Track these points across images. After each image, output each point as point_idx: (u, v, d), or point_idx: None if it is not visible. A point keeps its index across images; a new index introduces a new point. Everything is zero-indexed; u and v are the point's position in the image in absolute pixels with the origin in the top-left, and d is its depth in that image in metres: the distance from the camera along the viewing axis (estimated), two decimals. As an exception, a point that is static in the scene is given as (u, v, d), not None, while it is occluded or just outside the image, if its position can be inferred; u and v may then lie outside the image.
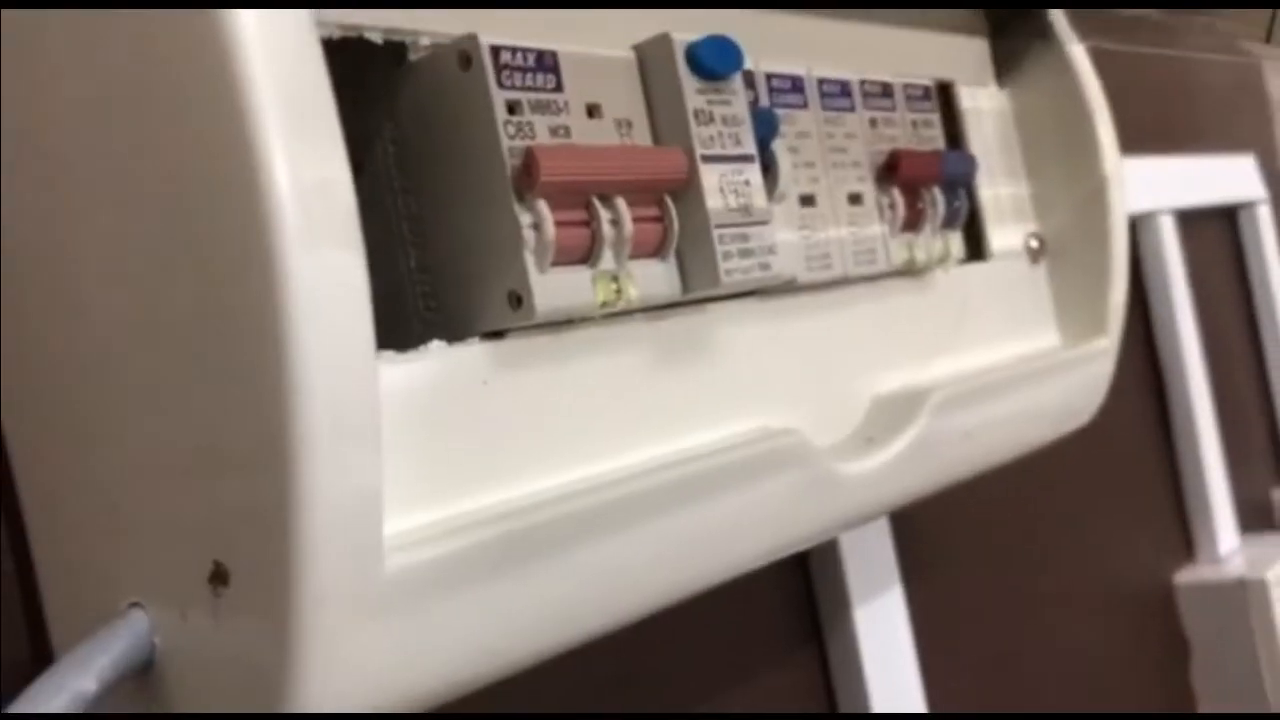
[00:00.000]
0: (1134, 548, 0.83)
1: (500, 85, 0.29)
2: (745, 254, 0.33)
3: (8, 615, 0.30)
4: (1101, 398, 0.51)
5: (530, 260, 0.29)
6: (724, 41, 0.32)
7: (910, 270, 0.42)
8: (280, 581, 0.23)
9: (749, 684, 0.50)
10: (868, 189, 0.40)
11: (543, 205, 0.29)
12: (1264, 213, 1.03)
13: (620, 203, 0.30)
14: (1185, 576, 0.84)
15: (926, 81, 0.44)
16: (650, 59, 0.32)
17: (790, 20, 0.40)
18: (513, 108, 0.29)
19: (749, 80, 0.36)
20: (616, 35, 0.33)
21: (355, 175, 0.24)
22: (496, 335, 0.30)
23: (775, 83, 0.37)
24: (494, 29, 0.30)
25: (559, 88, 0.30)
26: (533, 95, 0.29)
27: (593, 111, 0.31)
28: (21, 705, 0.25)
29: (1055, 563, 0.74)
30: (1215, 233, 1.00)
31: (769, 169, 0.35)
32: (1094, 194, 0.50)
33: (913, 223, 0.42)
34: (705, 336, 0.35)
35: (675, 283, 0.32)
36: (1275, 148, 1.15)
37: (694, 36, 0.32)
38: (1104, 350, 0.50)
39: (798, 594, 0.53)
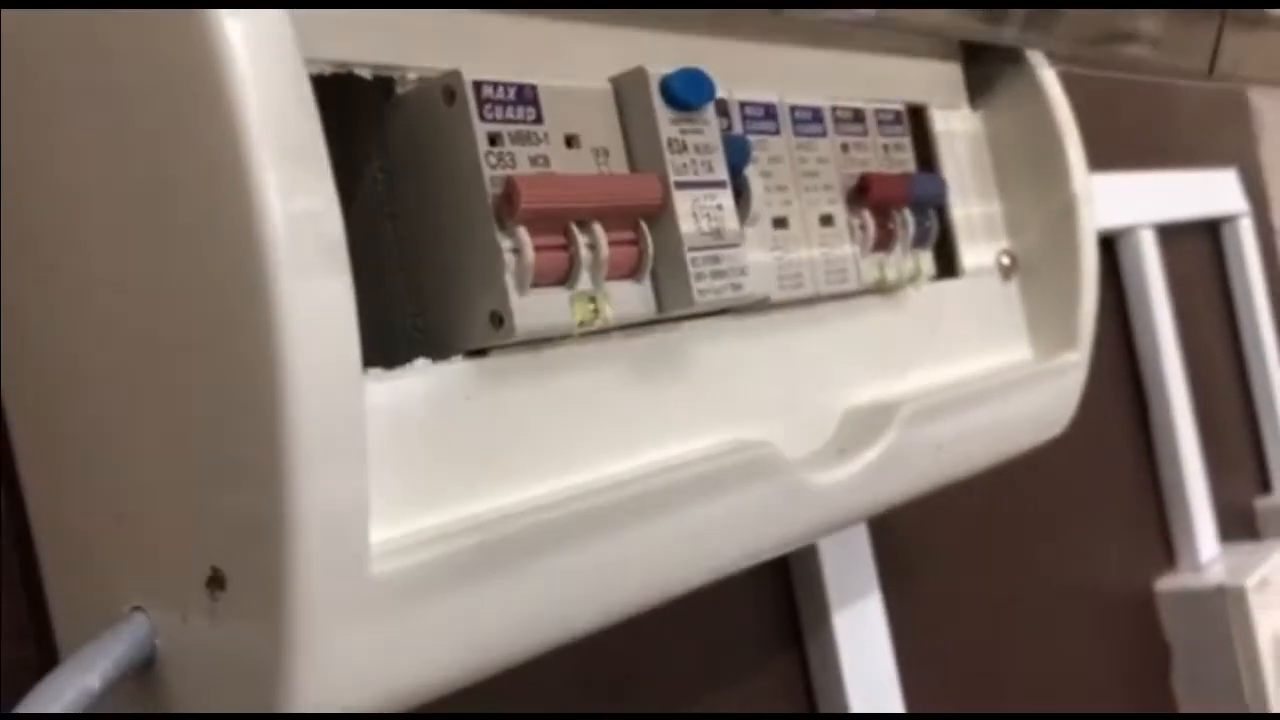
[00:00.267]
0: (1116, 555, 0.84)
1: (482, 118, 0.30)
2: (718, 275, 0.34)
3: (15, 618, 0.31)
4: (1073, 410, 0.53)
5: (511, 282, 0.30)
6: (696, 74, 0.34)
7: (881, 288, 0.43)
8: (273, 586, 0.25)
9: (732, 685, 0.52)
10: (839, 211, 0.42)
11: (523, 231, 0.30)
12: (1246, 226, 1.04)
13: (597, 227, 0.32)
14: (1166, 583, 0.86)
15: (898, 106, 0.46)
16: (626, 91, 0.34)
17: (767, 49, 0.41)
18: (494, 139, 0.31)
19: (723, 108, 0.38)
20: (595, 67, 0.34)
21: (348, 202, 0.26)
22: (479, 353, 0.31)
23: (749, 110, 0.39)
24: (477, 64, 0.31)
25: (539, 119, 0.32)
26: (513, 127, 0.31)
27: (571, 141, 0.32)
28: (30, 702, 0.26)
29: (1038, 568, 0.75)
30: (1199, 246, 1.02)
31: (742, 193, 0.36)
32: (1064, 212, 0.51)
33: (883, 243, 0.43)
34: (680, 353, 0.36)
35: (651, 302, 0.34)
36: (1259, 162, 1.16)
37: (669, 69, 0.34)
38: (1075, 363, 0.52)
39: (779, 599, 0.54)
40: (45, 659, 0.31)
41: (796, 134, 0.41)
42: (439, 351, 0.30)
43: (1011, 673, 0.70)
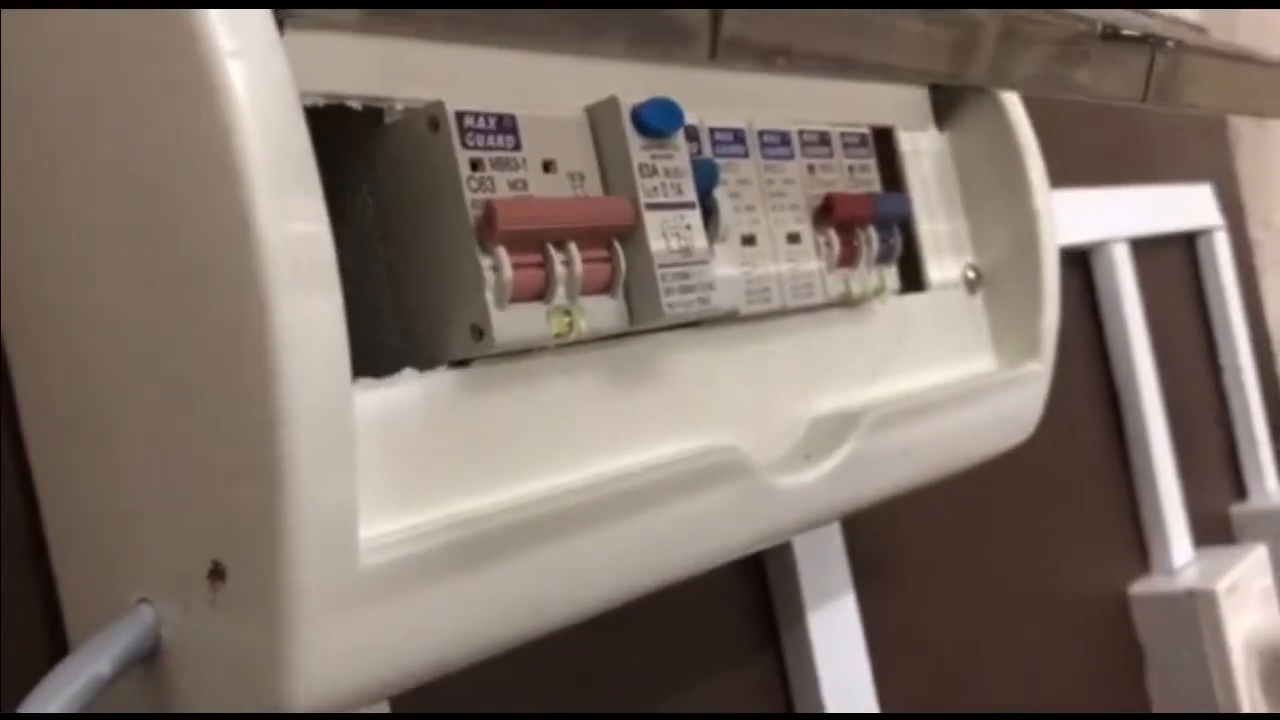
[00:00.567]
0: (1092, 559, 0.86)
1: (464, 146, 0.33)
2: (686, 289, 0.37)
3: (28, 609, 0.33)
4: (1038, 417, 0.55)
5: (490, 298, 0.32)
6: (666, 104, 0.36)
7: (847, 302, 0.46)
8: (271, 577, 0.27)
9: (708, 684, 0.53)
10: (805, 229, 0.44)
11: (502, 251, 0.32)
12: (1221, 239, 1.07)
13: (572, 246, 0.34)
14: (1140, 587, 0.88)
15: (863, 129, 0.48)
16: (600, 119, 0.36)
17: (738, 78, 0.44)
18: (476, 165, 0.33)
19: (694, 134, 0.40)
20: (571, 97, 0.37)
21: (339, 224, 0.28)
22: (462, 364, 0.33)
23: (718, 135, 0.41)
24: (460, 95, 0.33)
25: (518, 146, 0.34)
26: (494, 154, 0.33)
27: (548, 166, 0.35)
28: (44, 688, 0.27)
29: (1014, 570, 0.76)
30: (1174, 259, 1.04)
31: (711, 213, 0.39)
32: (1026, 228, 0.53)
33: (848, 259, 0.45)
34: (652, 363, 0.38)
35: (623, 316, 0.36)
36: (1235, 176, 1.19)
37: (641, 99, 0.36)
38: (1038, 373, 0.54)
39: (755, 598, 0.56)
40: (56, 649, 0.32)
41: (765, 156, 0.43)
42: (424, 362, 0.32)
43: (986, 673, 0.71)
